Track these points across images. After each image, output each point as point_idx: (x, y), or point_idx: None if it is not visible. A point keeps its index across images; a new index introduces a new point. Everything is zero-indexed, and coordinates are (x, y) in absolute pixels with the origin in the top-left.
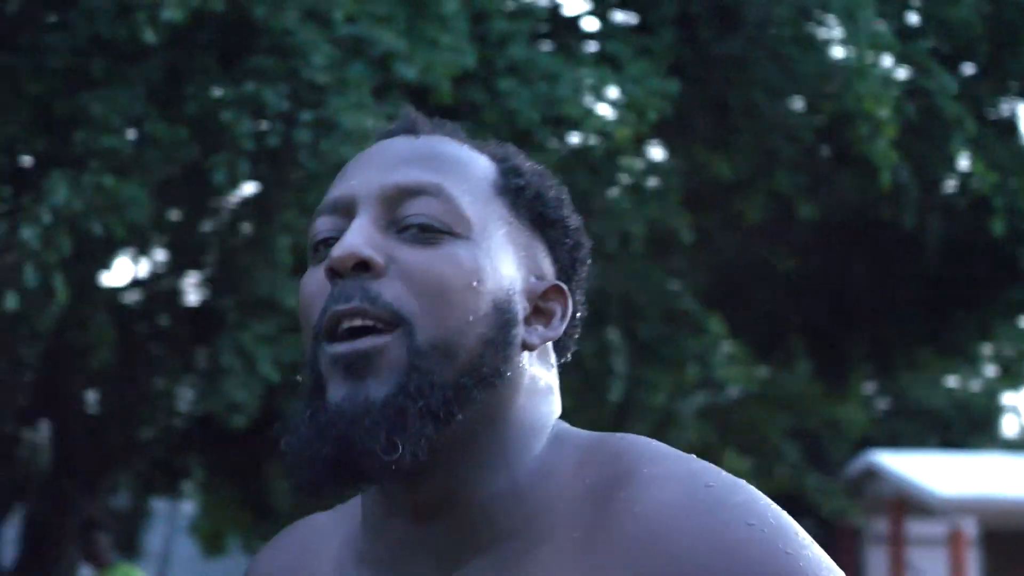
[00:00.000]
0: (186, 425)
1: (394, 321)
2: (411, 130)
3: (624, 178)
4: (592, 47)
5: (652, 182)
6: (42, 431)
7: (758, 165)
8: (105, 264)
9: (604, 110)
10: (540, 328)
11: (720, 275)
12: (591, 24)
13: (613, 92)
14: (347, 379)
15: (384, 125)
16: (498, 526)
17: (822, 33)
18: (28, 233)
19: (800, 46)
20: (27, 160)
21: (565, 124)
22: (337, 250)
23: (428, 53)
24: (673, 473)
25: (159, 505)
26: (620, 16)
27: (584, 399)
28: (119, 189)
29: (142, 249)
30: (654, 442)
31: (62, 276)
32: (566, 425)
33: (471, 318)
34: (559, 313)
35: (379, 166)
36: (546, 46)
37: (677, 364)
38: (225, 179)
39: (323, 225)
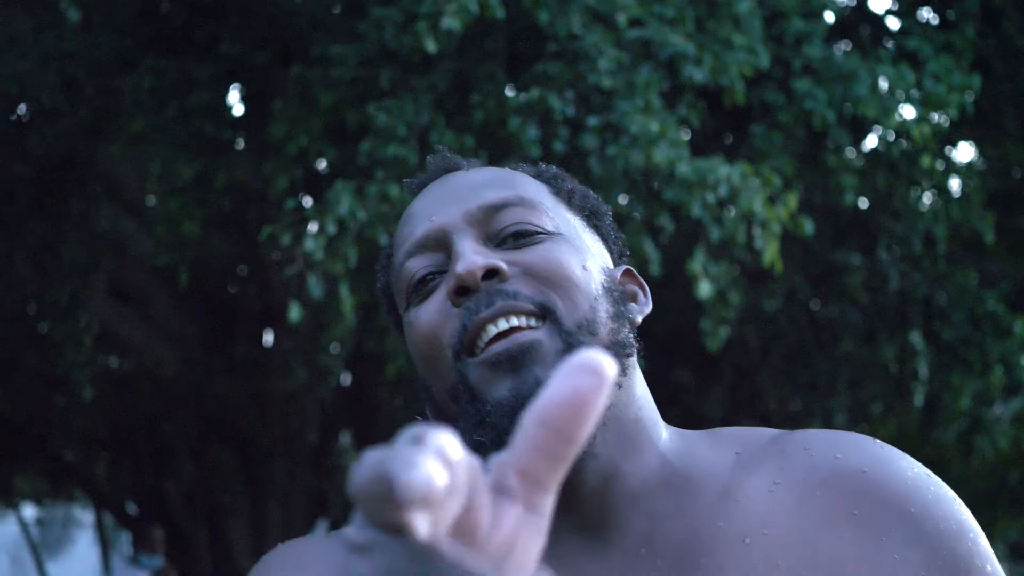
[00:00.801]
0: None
1: (540, 312)
2: (454, 168)
3: (926, 179)
4: (890, 45)
5: (955, 182)
6: (347, 440)
7: None
8: None
9: (903, 109)
10: (634, 306)
11: None
12: (891, 23)
13: (912, 91)
14: (509, 374)
15: (672, 130)
16: (665, 498)
17: None
18: (312, 244)
19: None
20: (320, 170)
21: (863, 124)
22: (460, 267)
23: (720, 54)
24: (835, 431)
25: None
26: (924, 14)
27: (892, 405)
28: (405, 198)
29: None
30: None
31: (349, 286)
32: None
33: (596, 295)
34: (640, 292)
35: (452, 198)
36: (842, 45)
37: (981, 368)
38: None
39: (417, 264)
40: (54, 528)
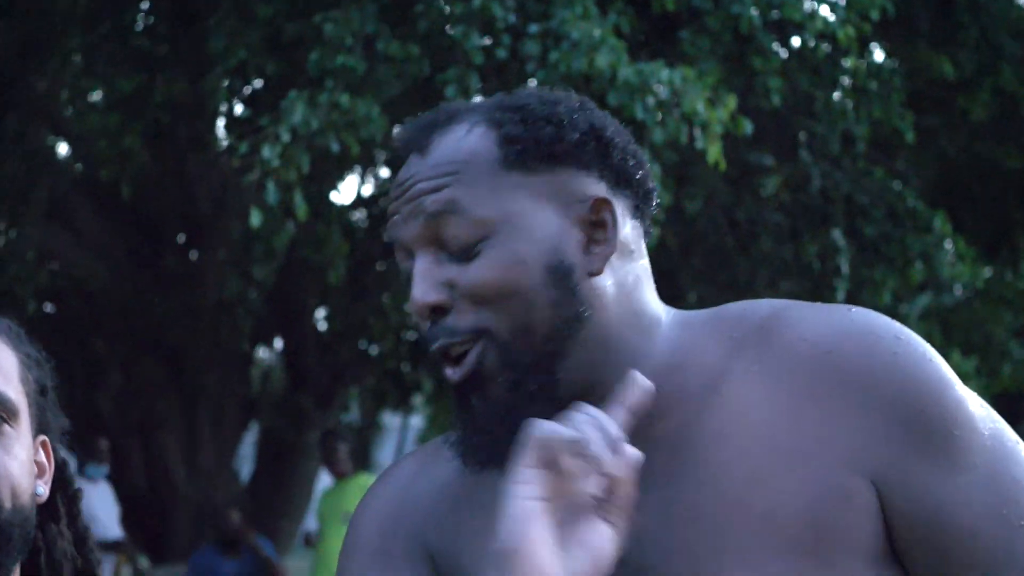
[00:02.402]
0: (416, 338)
1: (478, 336)
2: (419, 147)
3: (847, 80)
4: None
5: (874, 83)
6: (276, 349)
7: (982, 62)
8: (335, 184)
9: (826, 12)
10: (599, 248)
11: (944, 174)
12: None
13: None
14: (465, 392)
15: (611, 36)
16: (659, 397)
17: None
18: (268, 152)
19: None
20: (258, 82)
21: (788, 27)
22: (411, 305)
23: None
24: (815, 310)
25: (390, 419)
26: None
27: (811, 301)
28: (354, 107)
29: (366, 168)
30: (764, 299)
31: (302, 194)
32: (681, 311)
33: (531, 293)
34: (609, 222)
35: (411, 203)
36: None
37: (902, 263)
38: (456, 94)
39: (399, 253)
40: None
